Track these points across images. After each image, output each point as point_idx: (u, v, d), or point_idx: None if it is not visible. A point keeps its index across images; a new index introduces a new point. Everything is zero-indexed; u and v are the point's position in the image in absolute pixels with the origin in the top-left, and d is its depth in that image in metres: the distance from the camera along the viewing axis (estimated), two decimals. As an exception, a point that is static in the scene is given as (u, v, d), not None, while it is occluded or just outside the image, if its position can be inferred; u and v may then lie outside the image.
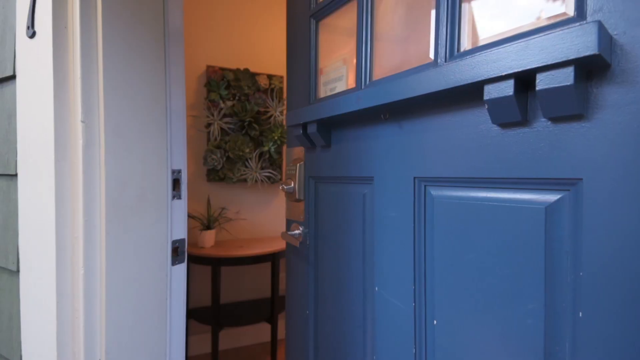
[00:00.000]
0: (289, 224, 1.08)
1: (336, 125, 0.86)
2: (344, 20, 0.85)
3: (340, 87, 0.87)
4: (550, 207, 0.47)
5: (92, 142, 0.86)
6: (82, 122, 0.84)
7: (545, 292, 0.48)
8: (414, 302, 0.66)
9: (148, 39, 0.93)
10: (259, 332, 2.53)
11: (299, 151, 1.03)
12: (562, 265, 0.46)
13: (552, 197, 0.47)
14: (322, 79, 0.93)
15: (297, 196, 1.01)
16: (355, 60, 0.80)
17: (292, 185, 1.01)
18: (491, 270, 0.54)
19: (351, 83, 0.83)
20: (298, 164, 1.00)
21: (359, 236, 0.81)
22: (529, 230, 0.49)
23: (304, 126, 0.91)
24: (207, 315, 2.17)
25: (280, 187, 1.02)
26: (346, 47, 0.85)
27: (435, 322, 0.63)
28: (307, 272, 1.00)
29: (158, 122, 0.95)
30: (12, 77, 0.95)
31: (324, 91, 0.93)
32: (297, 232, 1.01)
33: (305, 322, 1.01)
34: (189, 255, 2.00)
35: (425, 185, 0.65)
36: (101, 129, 0.86)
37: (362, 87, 0.77)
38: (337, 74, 0.88)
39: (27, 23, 0.87)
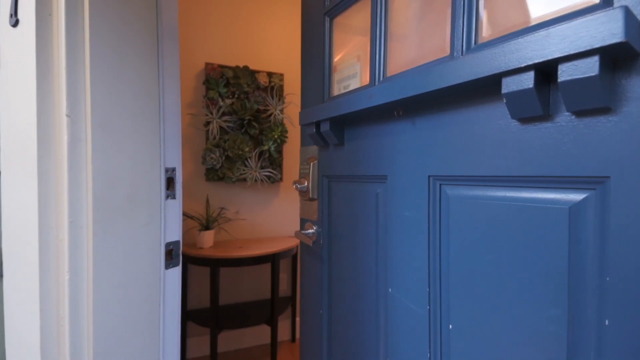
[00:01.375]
0: (303, 222, 1.07)
1: (349, 123, 0.85)
2: (358, 17, 0.84)
3: (354, 84, 0.85)
4: (574, 207, 0.45)
5: (78, 138, 0.79)
6: (67, 115, 0.77)
7: (569, 297, 0.45)
8: (429, 305, 0.64)
9: (139, 29, 0.86)
10: (259, 334, 2.49)
11: (312, 150, 1.02)
12: (586, 269, 0.43)
13: (576, 197, 0.45)
14: (335, 77, 0.92)
15: (310, 195, 1.00)
16: (369, 57, 0.78)
17: (306, 184, 1.00)
18: (510, 273, 0.51)
19: (365, 80, 0.81)
20: (312, 163, 0.99)
21: (372, 236, 0.79)
22: (552, 232, 0.46)
23: (317, 124, 0.90)
24: (205, 317, 2.14)
25: (294, 186, 1.01)
26: (360, 44, 0.83)
27: (450, 326, 0.60)
28: (321, 271, 0.98)
29: (150, 117, 0.89)
30: (-5, 69, 0.89)
31: (337, 89, 0.91)
32: (310, 231, 1.00)
33: (319, 322, 1.00)
34: (187, 256, 1.98)
35: (440, 184, 0.62)
36: (88, 123, 0.80)
37: (376, 83, 0.75)
38: (351, 71, 0.87)
39: (10, 11, 0.82)
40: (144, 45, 0.87)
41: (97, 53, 0.80)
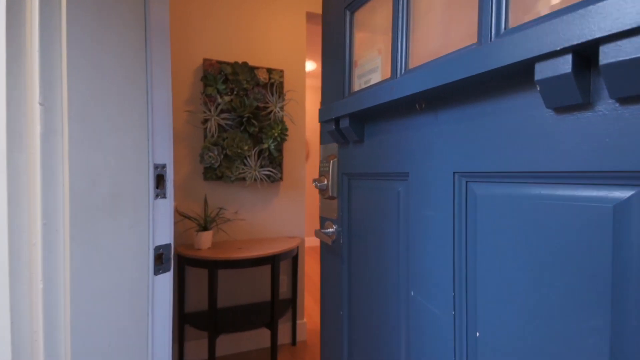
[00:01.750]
0: (323, 221, 1.05)
1: (369, 119, 0.82)
2: (380, 9, 0.81)
3: (375, 79, 0.82)
4: (619, 206, 0.40)
5: (53, 130, 0.71)
6: (40, 104, 0.69)
7: (612, 306, 0.40)
8: (454, 310, 0.60)
9: (124, 9, 0.78)
10: (258, 338, 2.43)
11: (332, 148, 1.00)
12: (632, 275, 0.39)
13: (622, 194, 0.40)
14: (356, 72, 0.90)
15: (330, 193, 0.98)
16: (390, 50, 0.75)
17: (325, 182, 0.98)
18: (546, 279, 0.47)
19: (386, 74, 0.78)
20: (331, 161, 0.97)
21: (393, 236, 0.75)
22: (593, 233, 0.42)
23: (337, 121, 0.88)
24: (203, 320, 2.10)
25: (314, 184, 0.99)
26: (381, 36, 0.80)
27: (478, 334, 0.56)
28: (341, 271, 0.96)
29: (137, 108, 0.81)
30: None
31: (358, 84, 0.89)
32: (330, 230, 0.98)
33: (339, 322, 0.97)
34: (184, 258, 1.96)
35: (466, 182, 0.58)
36: (64, 113, 0.71)
37: (398, 76, 0.72)
38: (372, 65, 0.84)
39: (-21, -12, 0.74)
40: (129, 27, 0.79)
41: (75, 34, 0.71)
